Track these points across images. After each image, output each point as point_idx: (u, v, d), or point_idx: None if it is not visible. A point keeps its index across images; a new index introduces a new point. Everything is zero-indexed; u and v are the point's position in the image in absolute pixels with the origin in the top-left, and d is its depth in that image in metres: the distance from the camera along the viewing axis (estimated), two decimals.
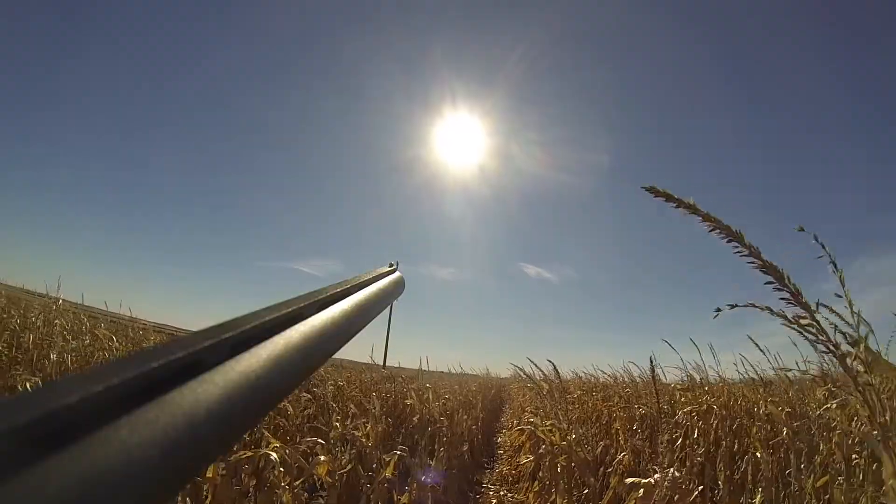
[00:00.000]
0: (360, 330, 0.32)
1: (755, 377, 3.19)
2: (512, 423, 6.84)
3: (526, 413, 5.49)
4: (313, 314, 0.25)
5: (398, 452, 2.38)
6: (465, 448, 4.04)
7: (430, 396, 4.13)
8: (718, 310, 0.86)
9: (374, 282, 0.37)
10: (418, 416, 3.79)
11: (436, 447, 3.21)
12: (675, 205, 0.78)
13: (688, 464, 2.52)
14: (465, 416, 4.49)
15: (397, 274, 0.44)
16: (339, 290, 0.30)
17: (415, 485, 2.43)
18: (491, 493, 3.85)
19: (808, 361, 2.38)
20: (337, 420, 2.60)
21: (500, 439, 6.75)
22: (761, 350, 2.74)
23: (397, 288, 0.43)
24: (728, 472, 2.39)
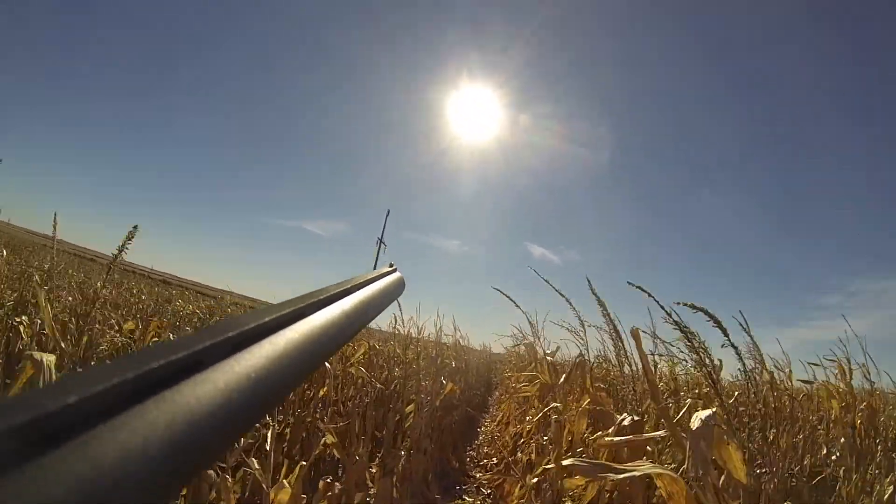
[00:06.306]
0: (361, 330, 0.32)
1: None
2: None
3: None
4: (314, 314, 0.25)
5: None
6: None
7: None
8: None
9: (374, 282, 0.37)
10: None
11: None
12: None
13: None
14: None
15: (397, 274, 0.44)
16: (339, 290, 0.30)
17: None
18: None
19: None
20: None
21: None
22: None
23: (397, 288, 0.43)
24: None
